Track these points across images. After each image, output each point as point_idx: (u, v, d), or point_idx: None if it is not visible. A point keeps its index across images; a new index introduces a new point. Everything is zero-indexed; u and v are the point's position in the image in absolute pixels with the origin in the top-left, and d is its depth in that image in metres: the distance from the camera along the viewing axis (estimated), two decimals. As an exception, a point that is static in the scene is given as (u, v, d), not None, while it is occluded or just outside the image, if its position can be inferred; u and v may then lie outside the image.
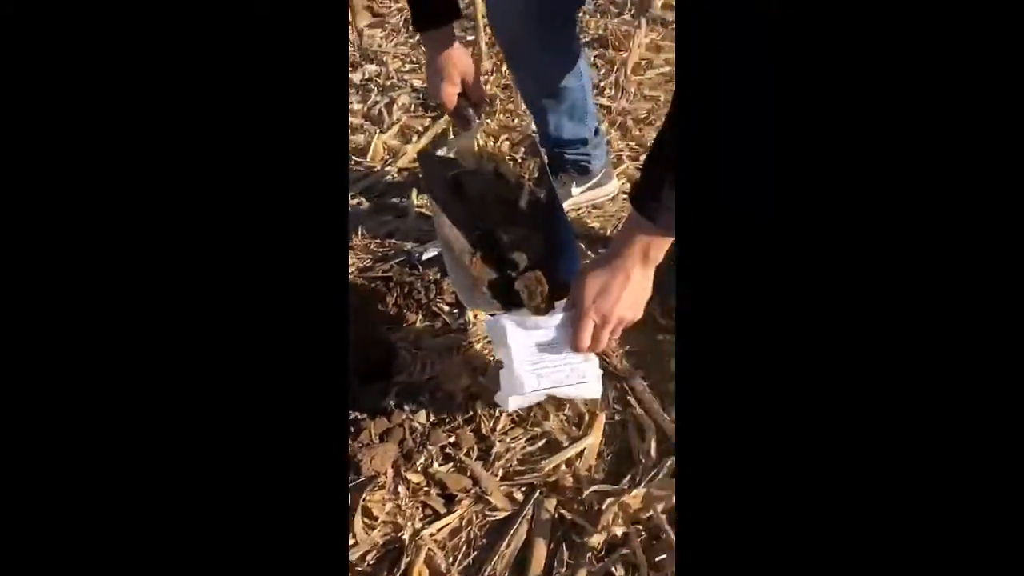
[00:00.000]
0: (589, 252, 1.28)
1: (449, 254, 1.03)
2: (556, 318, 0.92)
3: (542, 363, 0.90)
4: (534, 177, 1.15)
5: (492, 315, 0.96)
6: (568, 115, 1.29)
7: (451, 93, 1.11)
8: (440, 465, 0.94)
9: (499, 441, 0.96)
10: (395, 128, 1.77)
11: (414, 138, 1.74)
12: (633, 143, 1.63)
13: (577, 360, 0.92)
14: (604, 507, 0.85)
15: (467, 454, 0.95)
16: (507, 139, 1.68)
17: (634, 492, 0.85)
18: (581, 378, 0.92)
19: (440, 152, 1.17)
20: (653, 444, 0.93)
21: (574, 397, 0.96)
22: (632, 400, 1.01)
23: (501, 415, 1.00)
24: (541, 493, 0.90)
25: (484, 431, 0.98)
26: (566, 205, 1.39)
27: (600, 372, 0.94)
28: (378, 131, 1.75)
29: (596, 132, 1.36)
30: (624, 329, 0.93)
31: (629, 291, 0.88)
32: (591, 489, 0.87)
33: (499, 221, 1.07)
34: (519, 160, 1.15)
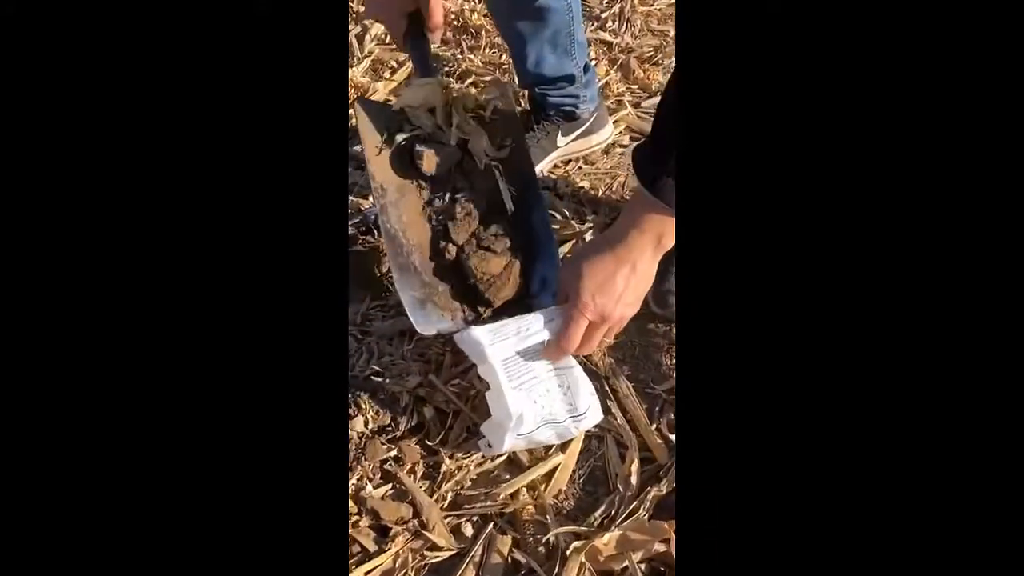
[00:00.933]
0: (575, 223, 1.08)
1: (394, 251, 0.80)
2: (538, 318, 0.74)
3: (526, 379, 0.73)
4: (508, 152, 0.88)
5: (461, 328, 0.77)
6: (551, 45, 1.05)
7: (397, 11, 0.83)
8: (375, 488, 0.77)
9: (450, 456, 0.80)
10: (366, 63, 1.55)
11: (386, 74, 1.52)
12: (636, 86, 1.41)
13: (563, 365, 0.75)
14: (569, 552, 0.69)
15: (410, 472, 0.79)
16: (472, 83, 1.44)
17: (606, 537, 0.69)
18: (570, 391, 0.75)
19: (396, 100, 0.87)
20: (634, 467, 0.77)
21: (582, 431, 0.79)
22: (613, 407, 0.84)
23: (455, 422, 0.83)
24: (495, 527, 0.74)
25: (433, 442, 0.81)
26: (550, 159, 1.19)
27: (591, 387, 0.77)
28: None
29: (586, 68, 1.13)
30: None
31: (634, 286, 0.70)
32: (555, 532, 0.71)
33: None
34: (490, 119, 0.90)
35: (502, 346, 0.70)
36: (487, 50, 1.55)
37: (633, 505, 0.73)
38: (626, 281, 0.69)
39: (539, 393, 0.73)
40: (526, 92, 1.18)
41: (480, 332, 0.71)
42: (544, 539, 0.71)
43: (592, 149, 1.23)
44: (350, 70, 1.52)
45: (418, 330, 0.77)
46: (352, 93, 1.48)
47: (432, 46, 0.89)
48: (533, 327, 0.73)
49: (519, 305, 0.81)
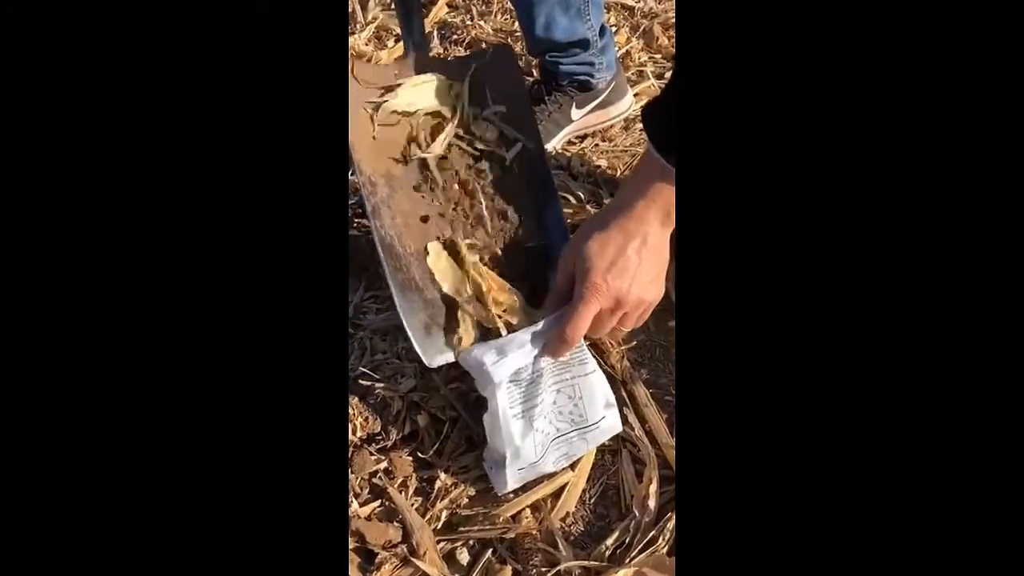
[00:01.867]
0: (591, 207, 0.98)
1: (392, 265, 0.70)
2: (545, 326, 0.64)
3: (531, 401, 0.64)
4: (519, 143, 0.79)
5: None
6: (562, 6, 0.95)
7: None
8: (363, 504, 0.69)
9: (445, 470, 0.71)
10: (369, 29, 1.45)
11: (391, 43, 1.42)
12: (659, 55, 1.30)
13: (577, 373, 0.66)
14: (577, 589, 0.61)
15: (401, 487, 0.71)
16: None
17: (620, 574, 0.60)
18: (582, 400, 0.67)
19: (393, 101, 0.75)
20: (652, 488, 0.68)
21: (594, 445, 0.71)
22: (631, 416, 0.74)
23: (453, 431, 0.74)
24: (494, 554, 0.65)
25: (427, 454, 0.73)
26: (563, 134, 1.08)
27: (609, 395, 0.69)
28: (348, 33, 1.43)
29: (602, 31, 1.02)
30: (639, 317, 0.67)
31: (648, 261, 0.61)
32: (562, 566, 0.63)
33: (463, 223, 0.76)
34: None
35: (507, 364, 0.61)
36: (499, 16, 1.45)
37: (651, 534, 0.64)
38: (639, 256, 0.60)
39: (544, 412, 0.65)
40: (536, 61, 1.08)
41: (482, 350, 0.62)
42: (549, 574, 0.62)
43: (610, 122, 1.13)
44: (351, 37, 1.42)
45: (426, 363, 0.68)
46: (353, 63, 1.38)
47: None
48: (541, 337, 0.64)
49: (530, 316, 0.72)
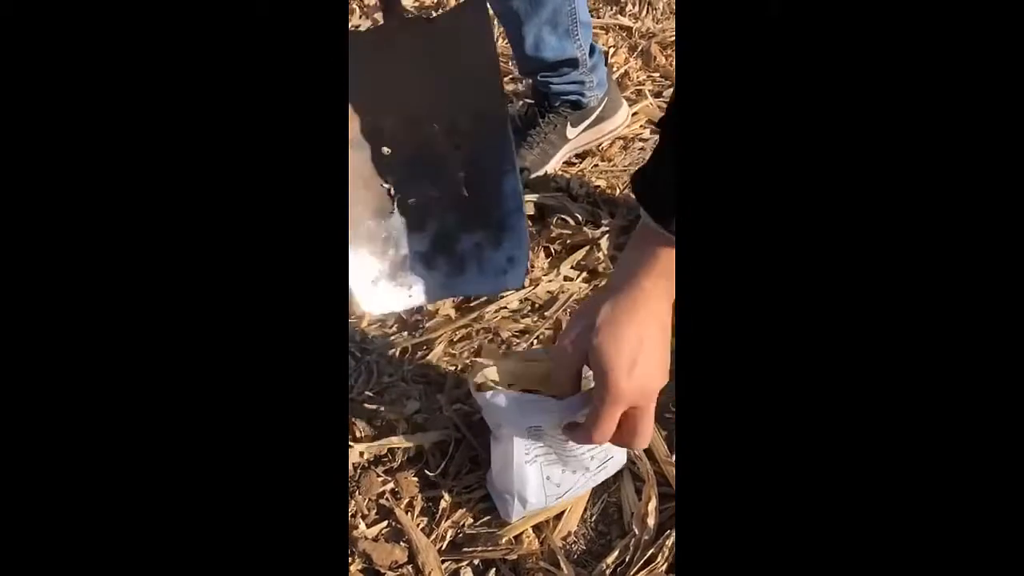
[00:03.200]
0: (588, 228, 1.00)
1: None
2: (571, 404, 0.59)
3: (550, 454, 0.65)
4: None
5: (485, 389, 0.63)
6: (551, 26, 0.96)
7: None
8: (370, 525, 0.71)
9: (449, 491, 0.73)
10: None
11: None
12: (657, 74, 1.32)
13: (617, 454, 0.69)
14: (577, 606, 0.63)
15: (408, 507, 0.73)
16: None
17: (619, 591, 0.62)
18: (603, 462, 0.69)
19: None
20: (651, 506, 0.69)
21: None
22: (630, 434, 0.76)
23: (457, 452, 0.76)
24: (497, 573, 0.67)
25: (432, 474, 0.75)
26: (561, 154, 1.11)
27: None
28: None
29: (592, 51, 1.03)
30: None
31: (662, 347, 0.55)
32: (561, 583, 0.64)
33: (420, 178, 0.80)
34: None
35: (530, 417, 0.60)
36: (501, 40, 1.47)
37: (651, 552, 0.66)
38: (654, 343, 0.54)
39: (559, 467, 0.66)
40: (529, 82, 1.11)
41: (506, 398, 0.60)
42: (550, 590, 0.64)
43: (607, 137, 1.14)
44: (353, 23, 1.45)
45: (364, 309, 0.73)
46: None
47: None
48: (564, 413, 0.60)
49: (484, 284, 0.76)
